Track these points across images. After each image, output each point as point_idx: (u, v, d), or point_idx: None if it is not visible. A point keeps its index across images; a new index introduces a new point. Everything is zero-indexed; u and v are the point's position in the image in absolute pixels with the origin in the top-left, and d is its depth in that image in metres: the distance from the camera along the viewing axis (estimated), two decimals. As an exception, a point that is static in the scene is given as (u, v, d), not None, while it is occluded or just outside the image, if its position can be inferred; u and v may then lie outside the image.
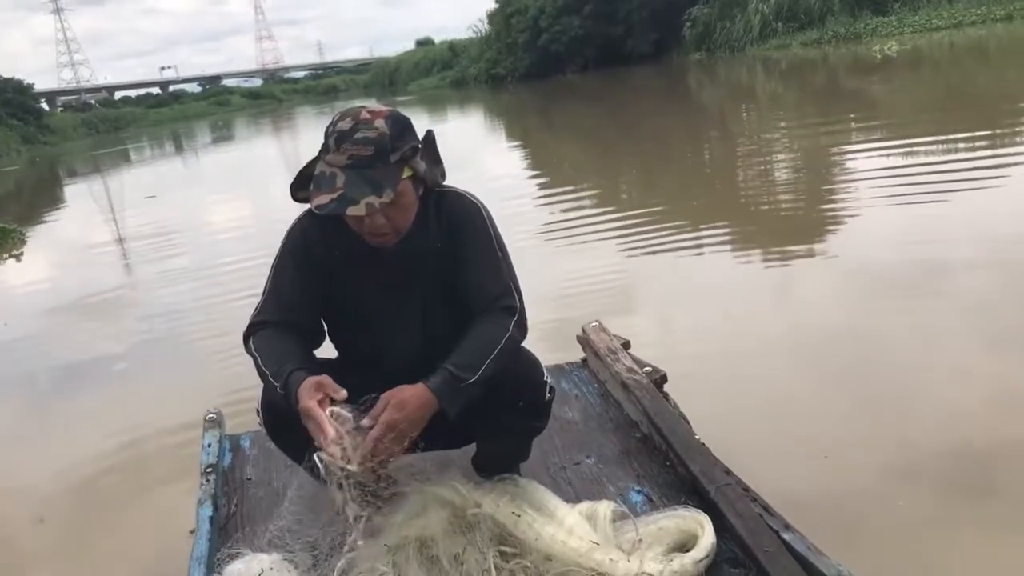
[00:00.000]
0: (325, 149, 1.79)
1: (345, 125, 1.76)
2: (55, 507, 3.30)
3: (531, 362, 1.97)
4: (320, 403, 1.71)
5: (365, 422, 1.71)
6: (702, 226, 6.44)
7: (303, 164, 1.87)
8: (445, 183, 1.96)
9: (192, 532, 2.43)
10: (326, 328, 2.06)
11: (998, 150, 7.45)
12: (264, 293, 1.97)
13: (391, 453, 1.73)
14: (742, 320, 4.20)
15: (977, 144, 7.91)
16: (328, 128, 1.80)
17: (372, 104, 1.86)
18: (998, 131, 8.54)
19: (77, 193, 20.45)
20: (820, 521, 2.07)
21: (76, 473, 3.56)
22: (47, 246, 11.57)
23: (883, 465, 2.62)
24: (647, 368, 2.47)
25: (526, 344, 1.95)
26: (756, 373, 3.43)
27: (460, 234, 1.91)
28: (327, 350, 2.08)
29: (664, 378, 2.47)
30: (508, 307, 1.87)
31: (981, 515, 2.35)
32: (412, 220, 1.87)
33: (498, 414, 1.93)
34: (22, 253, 10.64)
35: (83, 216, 14.69)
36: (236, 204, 12.59)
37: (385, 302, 1.97)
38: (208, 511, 2.14)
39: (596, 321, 2.82)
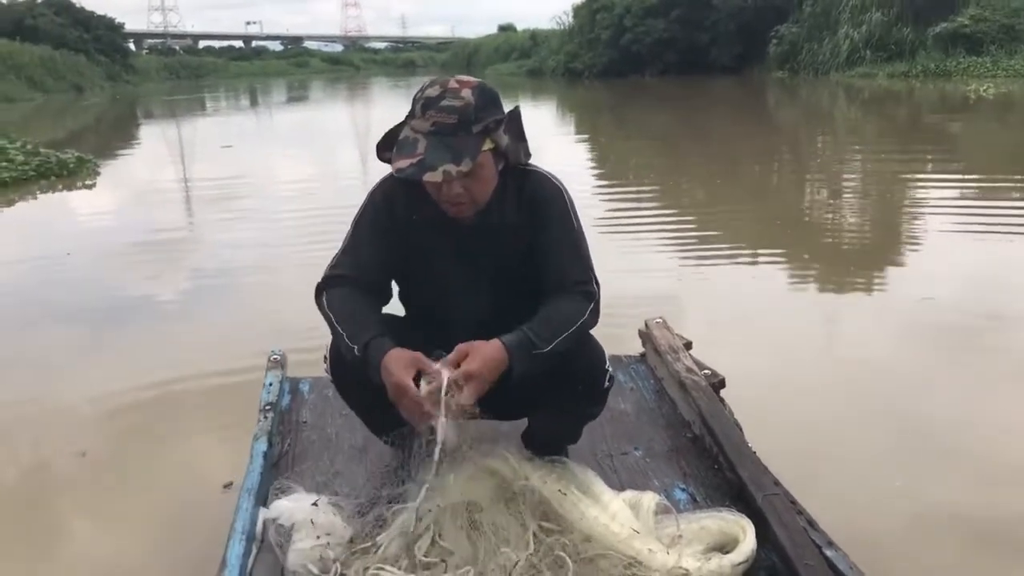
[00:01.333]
0: (411, 115, 1.82)
1: (433, 92, 1.79)
2: (98, 440, 3.34)
3: (595, 348, 1.99)
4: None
5: (440, 367, 1.74)
6: (763, 242, 6.41)
7: (373, 131, 1.90)
8: (530, 162, 1.98)
9: (226, 487, 2.52)
10: (396, 289, 2.11)
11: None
12: (342, 247, 2.00)
13: (467, 403, 1.76)
14: (798, 342, 4.17)
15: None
16: (416, 94, 1.83)
17: (462, 75, 1.88)
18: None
19: (151, 134, 20.98)
20: (859, 548, 2.07)
21: (122, 408, 3.61)
22: (119, 181, 11.84)
23: (918, 511, 2.60)
24: (706, 371, 2.48)
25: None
26: (810, 395, 3.41)
27: (542, 215, 1.93)
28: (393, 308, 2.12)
29: (722, 383, 2.47)
30: (587, 292, 1.90)
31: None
32: (490, 194, 1.89)
33: (557, 393, 1.96)
34: (95, 184, 10.94)
35: (155, 157, 15.07)
36: (303, 163, 12.78)
37: (458, 272, 2.00)
38: (263, 447, 2.20)
39: (660, 318, 2.82)
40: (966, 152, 11.83)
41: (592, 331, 1.96)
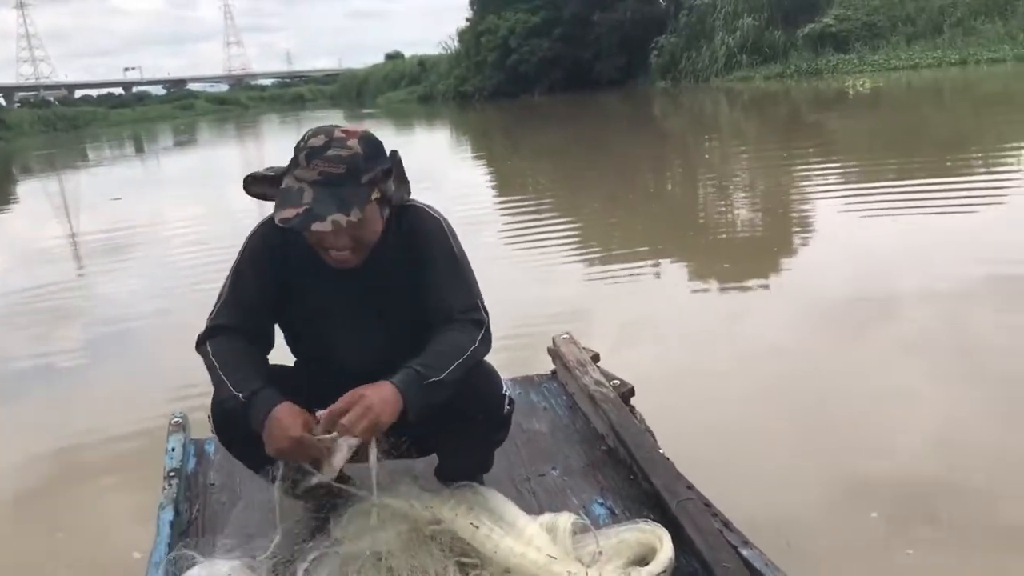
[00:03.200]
0: (295, 164, 1.77)
1: (317, 142, 1.75)
2: None
3: (490, 375, 1.97)
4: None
5: (321, 413, 1.71)
6: (660, 247, 6.60)
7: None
8: (410, 199, 1.95)
9: (139, 557, 2.40)
10: (284, 335, 2.05)
11: (952, 187, 7.67)
12: (221, 297, 1.94)
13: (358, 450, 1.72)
14: (703, 342, 4.27)
15: (933, 180, 8.15)
16: (299, 143, 1.78)
17: (345, 124, 1.86)
18: (954, 169, 8.84)
19: (30, 191, 20.00)
20: (774, 538, 2.12)
21: (17, 482, 3.43)
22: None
23: (831, 489, 2.69)
24: (615, 381, 2.49)
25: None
26: (717, 393, 3.49)
27: (422, 249, 1.90)
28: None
29: (632, 392, 2.49)
30: (476, 320, 1.87)
31: (921, 541, 2.40)
32: (375, 241, 1.86)
33: (458, 427, 1.94)
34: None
35: (35, 214, 14.38)
36: (195, 208, 12.40)
37: (343, 316, 1.95)
38: (169, 515, 2.11)
39: (567, 333, 2.83)
40: (852, 142, 12.46)
41: (493, 353, 1.94)
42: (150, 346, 5.31)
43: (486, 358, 1.93)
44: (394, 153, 1.88)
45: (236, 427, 1.83)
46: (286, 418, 1.70)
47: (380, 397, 1.69)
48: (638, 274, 5.84)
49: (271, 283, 1.92)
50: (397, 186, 1.87)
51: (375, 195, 1.78)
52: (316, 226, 1.68)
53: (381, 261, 1.89)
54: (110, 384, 4.67)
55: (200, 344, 1.89)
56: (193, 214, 11.42)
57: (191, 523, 2.21)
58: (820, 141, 12.92)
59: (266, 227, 1.93)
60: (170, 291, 6.70)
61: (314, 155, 1.73)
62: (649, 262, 6.14)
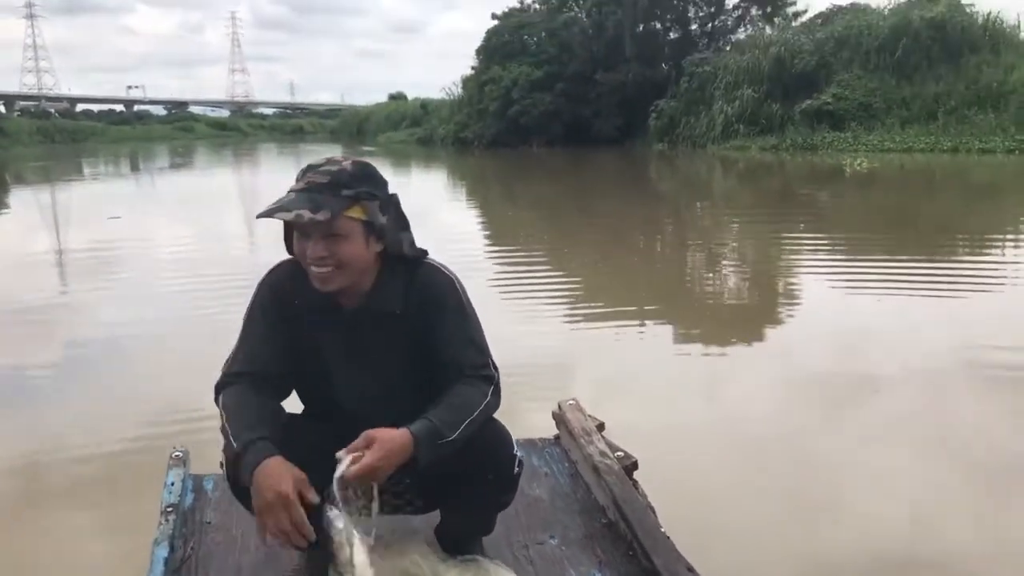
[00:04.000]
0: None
1: (317, 161, 1.84)
2: None
3: (502, 433, 1.97)
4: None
5: (342, 454, 1.71)
6: (649, 312, 6.65)
7: (260, 198, 1.92)
8: (420, 251, 1.97)
9: None
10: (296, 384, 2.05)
11: (938, 272, 7.81)
12: (237, 344, 1.96)
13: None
14: (692, 411, 4.29)
15: (920, 264, 8.31)
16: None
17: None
18: (941, 254, 9.00)
19: (22, 201, 19.91)
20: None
21: None
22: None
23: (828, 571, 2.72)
24: (619, 453, 2.49)
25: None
26: (714, 470, 3.50)
27: (434, 306, 1.91)
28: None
29: (635, 465, 2.48)
30: (486, 376, 1.89)
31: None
32: (363, 269, 1.86)
33: (466, 484, 1.93)
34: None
35: (25, 226, 14.31)
36: (188, 232, 12.38)
37: (350, 362, 1.96)
38: (164, 552, 2.08)
39: (573, 399, 2.82)
40: (846, 219, 12.64)
41: (498, 413, 1.95)
42: (147, 372, 5.23)
43: (496, 416, 1.94)
44: (393, 195, 1.91)
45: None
46: (274, 469, 1.69)
47: (394, 443, 1.72)
48: (630, 335, 5.87)
49: (279, 327, 1.93)
50: (393, 225, 1.89)
51: (356, 212, 1.80)
52: (279, 215, 1.75)
53: (388, 311, 1.91)
54: (99, 408, 4.58)
55: (216, 394, 1.90)
56: (187, 239, 11.41)
57: (184, 561, 2.18)
58: (813, 215, 13.12)
59: (274, 275, 1.97)
60: (166, 315, 6.66)
61: (308, 170, 1.82)
62: (640, 326, 6.17)
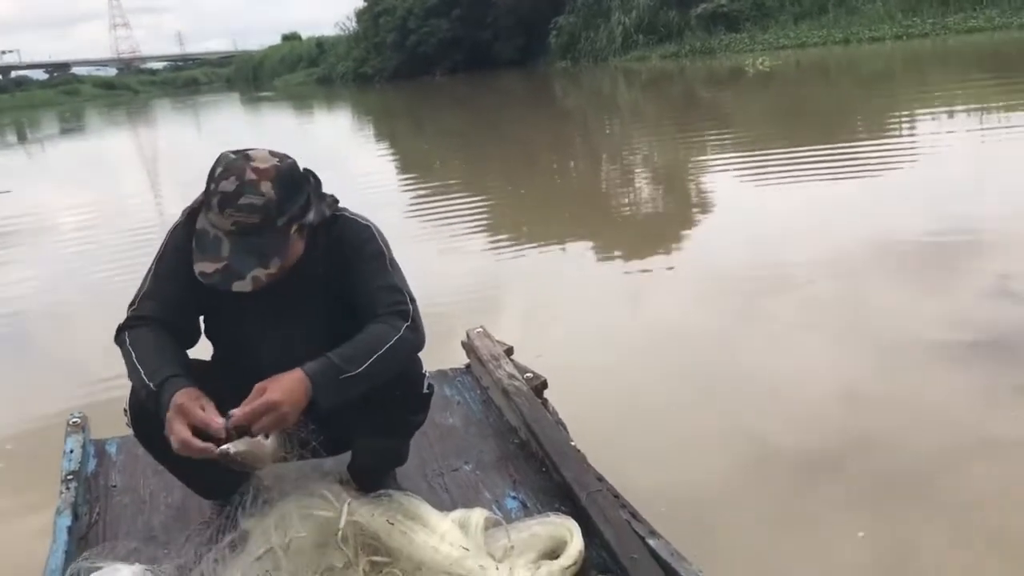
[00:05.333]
0: (208, 205, 1.73)
1: (228, 186, 1.69)
2: None
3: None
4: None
5: (236, 411, 1.67)
6: (565, 230, 6.67)
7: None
8: (340, 208, 1.94)
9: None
10: (203, 328, 2.02)
11: (841, 156, 8.05)
12: (142, 287, 1.90)
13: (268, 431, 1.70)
14: (609, 325, 4.35)
15: (823, 151, 8.54)
16: (210, 182, 1.73)
17: (257, 152, 1.77)
18: (843, 140, 9.25)
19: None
20: (684, 522, 2.22)
21: None
22: None
23: (739, 465, 2.80)
24: (528, 374, 2.52)
25: None
26: (626, 377, 3.58)
27: (353, 258, 1.90)
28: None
29: (544, 384, 2.52)
30: (400, 311, 1.86)
31: (825, 510, 2.54)
32: (294, 261, 1.84)
33: (376, 408, 1.92)
34: None
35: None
36: (89, 196, 11.86)
37: (264, 314, 1.93)
38: (67, 520, 2.04)
39: (480, 327, 2.84)
40: (754, 120, 12.83)
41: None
42: (41, 342, 5.09)
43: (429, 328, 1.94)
44: (308, 173, 1.85)
45: (153, 422, 1.76)
46: (187, 403, 1.67)
47: (284, 390, 1.68)
48: (543, 257, 5.91)
49: (190, 278, 1.83)
50: (317, 205, 1.85)
51: (294, 229, 1.77)
52: (236, 286, 1.69)
53: (304, 268, 1.87)
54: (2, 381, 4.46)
55: (118, 334, 1.85)
56: (86, 204, 10.93)
57: (91, 527, 2.16)
58: (717, 118, 13.29)
59: (189, 220, 1.87)
60: (66, 284, 6.46)
61: (226, 203, 1.69)
62: (554, 244, 6.21)
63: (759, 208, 6.62)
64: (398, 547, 1.89)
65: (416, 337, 1.88)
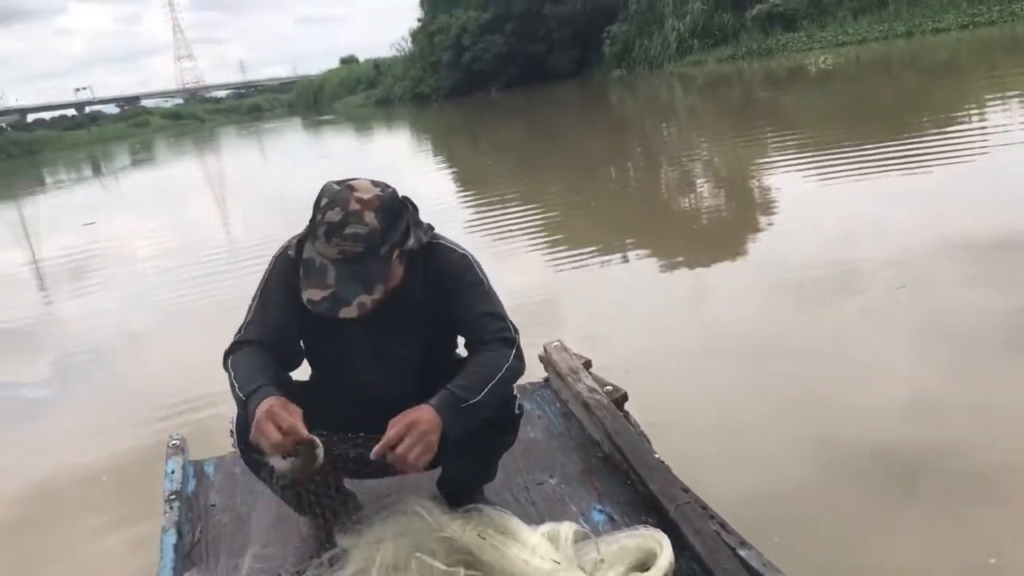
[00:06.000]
0: (314, 235, 1.81)
1: (334, 216, 1.77)
2: None
3: None
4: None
5: (374, 454, 1.75)
6: (628, 238, 6.67)
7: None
8: (435, 235, 2.01)
9: None
10: (305, 353, 2.11)
11: (909, 151, 7.87)
12: (249, 313, 2.00)
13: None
14: (681, 331, 4.36)
15: (890, 146, 8.35)
16: (315, 214, 1.81)
17: (359, 183, 1.83)
18: (910, 135, 9.04)
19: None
20: (768, 532, 2.21)
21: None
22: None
23: (819, 473, 2.77)
24: (608, 387, 2.54)
25: None
26: (700, 386, 3.57)
27: (450, 286, 1.97)
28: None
29: (625, 397, 2.54)
30: (506, 339, 1.94)
31: (908, 514, 2.50)
32: (395, 286, 1.91)
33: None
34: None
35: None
36: (163, 225, 12.28)
37: (365, 340, 2.01)
38: (172, 539, 2.14)
39: (558, 340, 2.88)
40: (816, 117, 12.60)
41: None
42: (139, 370, 5.26)
43: None
44: (406, 201, 1.92)
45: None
46: (276, 407, 1.74)
47: (428, 422, 1.76)
48: (607, 267, 5.90)
49: (295, 304, 1.93)
50: (415, 232, 1.92)
51: (395, 256, 1.85)
52: (343, 313, 1.77)
53: (402, 294, 1.93)
54: (95, 410, 4.62)
55: (224, 359, 1.94)
56: (162, 231, 11.38)
57: (194, 545, 2.25)
58: (779, 118, 13.11)
59: (292, 247, 1.96)
60: (152, 311, 6.68)
61: (333, 232, 1.77)
62: (618, 253, 6.20)
63: (826, 207, 6.51)
64: (490, 561, 1.92)
65: (520, 365, 1.96)
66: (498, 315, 1.97)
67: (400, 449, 1.73)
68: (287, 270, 1.95)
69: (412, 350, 2.01)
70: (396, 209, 1.86)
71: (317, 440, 1.75)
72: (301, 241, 1.88)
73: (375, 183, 1.86)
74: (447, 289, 1.97)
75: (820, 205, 6.62)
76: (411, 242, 1.90)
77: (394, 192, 1.87)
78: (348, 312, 1.76)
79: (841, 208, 6.34)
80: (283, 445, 1.71)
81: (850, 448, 2.88)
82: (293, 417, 1.74)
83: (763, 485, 2.70)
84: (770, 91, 18.64)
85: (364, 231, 1.77)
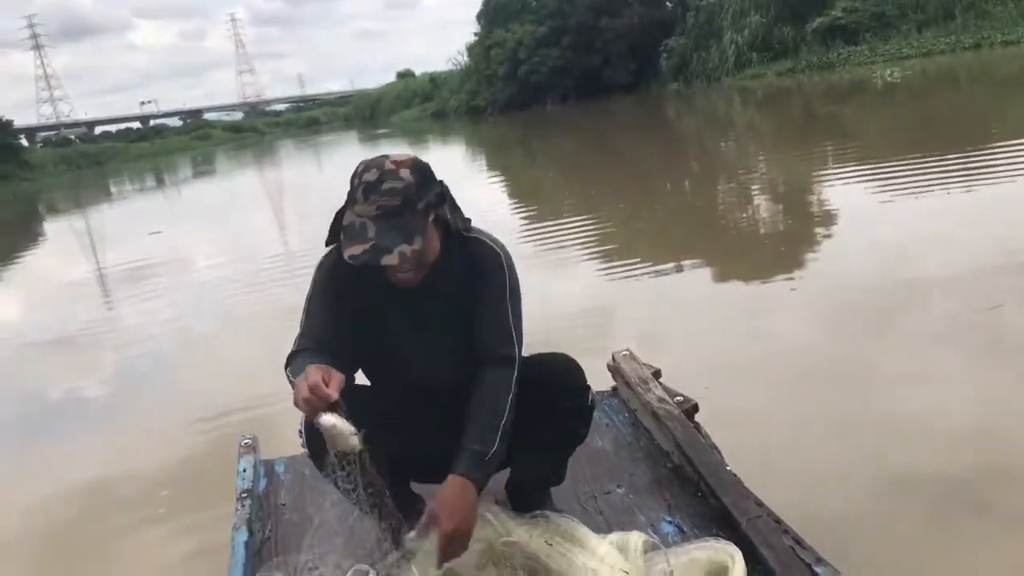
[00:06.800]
0: (352, 200, 1.85)
1: (371, 176, 1.82)
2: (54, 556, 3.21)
3: (573, 363, 2.06)
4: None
5: (411, 534, 1.85)
6: (686, 252, 6.57)
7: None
8: (473, 227, 2.03)
9: None
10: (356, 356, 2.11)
11: (974, 172, 7.64)
12: (300, 329, 2.03)
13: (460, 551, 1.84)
14: (742, 345, 4.28)
15: (956, 161, 8.13)
16: (353, 179, 1.86)
17: (393, 153, 1.92)
18: (978, 149, 8.78)
19: (57, 230, 20.28)
20: (844, 553, 2.14)
21: (46, 521, 3.48)
22: (22, 284, 11.40)
23: (887, 493, 2.70)
24: (678, 398, 2.51)
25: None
26: (775, 403, 3.50)
27: (477, 278, 1.99)
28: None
29: (695, 408, 2.50)
30: (507, 357, 1.96)
31: (977, 533, 2.44)
32: (434, 259, 1.94)
33: (544, 419, 2.00)
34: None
35: (63, 252, 14.60)
36: (222, 234, 12.60)
37: (412, 336, 2.04)
38: (243, 536, 2.17)
39: (627, 350, 2.85)
40: (879, 132, 12.36)
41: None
42: (209, 373, 5.37)
43: (565, 351, 2.07)
44: (441, 182, 1.95)
45: (324, 442, 1.86)
46: (314, 373, 1.75)
47: (463, 499, 1.83)
48: (668, 278, 5.85)
49: (342, 307, 2.00)
50: (451, 212, 1.95)
51: (431, 217, 1.88)
52: (385, 260, 1.78)
53: (446, 285, 1.97)
54: (164, 411, 4.72)
55: (285, 371, 1.97)
56: (228, 242, 11.62)
57: (264, 543, 2.27)
58: (840, 133, 12.86)
59: (330, 257, 2.01)
60: (210, 315, 6.88)
61: (371, 190, 1.81)
62: (679, 266, 6.13)
63: (891, 223, 6.34)
64: (557, 569, 1.91)
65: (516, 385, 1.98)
66: (507, 329, 1.98)
67: (451, 551, 1.81)
68: (325, 279, 2.02)
69: (457, 340, 2.02)
70: (429, 172, 1.90)
71: (342, 403, 1.75)
72: (339, 213, 1.91)
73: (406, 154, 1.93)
74: (477, 287, 1.99)
75: (885, 220, 6.44)
76: (446, 211, 1.93)
77: (428, 163, 1.91)
78: (390, 259, 1.78)
79: (906, 224, 6.19)
80: (314, 403, 1.73)
81: (913, 473, 2.80)
82: (332, 380, 1.76)
83: (833, 504, 2.63)
84: (834, 105, 18.30)
85: (400, 185, 1.81)
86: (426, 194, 1.85)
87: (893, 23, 26.29)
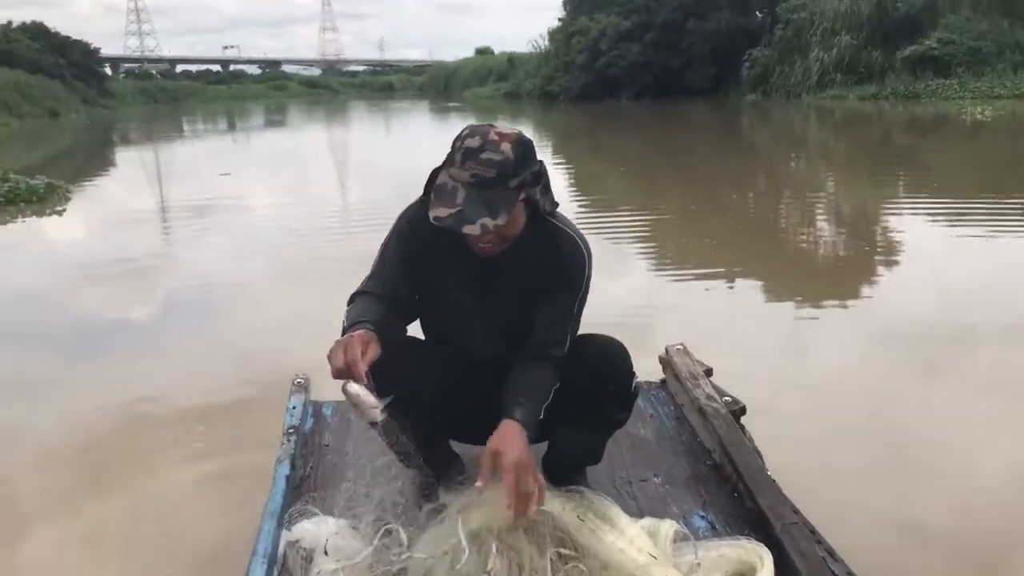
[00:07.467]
0: (451, 161, 1.87)
1: (473, 143, 1.83)
2: (108, 469, 3.26)
3: (619, 346, 2.08)
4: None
5: (479, 484, 1.85)
6: (745, 265, 6.49)
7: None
8: (560, 213, 2.06)
9: None
10: (417, 313, 2.18)
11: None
12: (370, 270, 2.08)
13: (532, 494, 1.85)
14: (804, 364, 4.27)
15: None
16: (456, 142, 1.87)
17: (500, 124, 1.93)
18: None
19: (127, 160, 20.72)
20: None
21: (86, 434, 3.56)
22: (90, 208, 11.55)
23: (931, 527, 2.67)
24: (727, 398, 2.51)
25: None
26: (823, 422, 3.46)
27: (556, 269, 2.01)
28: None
29: (743, 410, 2.50)
30: (556, 359, 2.02)
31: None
32: (516, 235, 1.96)
33: (588, 398, 2.03)
34: (64, 210, 10.71)
35: (129, 183, 14.92)
36: (282, 186, 12.79)
37: (473, 305, 2.08)
38: (285, 469, 2.23)
39: (680, 344, 2.85)
40: (959, 173, 12.03)
41: None
42: (269, 312, 5.44)
43: (611, 334, 2.12)
44: (541, 162, 1.96)
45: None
46: (354, 340, 1.79)
47: (521, 442, 1.86)
48: (724, 287, 5.79)
49: (413, 259, 2.04)
50: (542, 194, 1.97)
51: (521, 196, 1.89)
52: (466, 229, 1.80)
53: (522, 263, 1.99)
54: (222, 348, 4.79)
55: (347, 306, 2.02)
56: (299, 192, 11.88)
57: (304, 479, 2.34)
58: (918, 168, 12.53)
59: (414, 209, 2.05)
60: (289, 261, 6.97)
61: (469, 156, 1.82)
62: (735, 276, 6.08)
63: (959, 262, 6.23)
64: (586, 544, 1.93)
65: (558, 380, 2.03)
66: (564, 333, 2.03)
67: (521, 485, 1.82)
68: (405, 234, 2.05)
69: (515, 320, 2.05)
70: (531, 150, 1.90)
71: (367, 378, 1.78)
72: (436, 171, 1.94)
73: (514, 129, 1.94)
74: (552, 278, 2.01)
75: (958, 260, 6.31)
76: (538, 192, 1.94)
77: (531, 141, 1.92)
78: (471, 229, 1.80)
79: (968, 266, 6.05)
80: (342, 372, 1.77)
81: (945, 511, 2.77)
82: (368, 352, 1.79)
83: (870, 528, 2.60)
84: (915, 136, 17.84)
85: (499, 157, 1.82)
86: (522, 172, 1.86)
87: (988, 60, 25.55)
